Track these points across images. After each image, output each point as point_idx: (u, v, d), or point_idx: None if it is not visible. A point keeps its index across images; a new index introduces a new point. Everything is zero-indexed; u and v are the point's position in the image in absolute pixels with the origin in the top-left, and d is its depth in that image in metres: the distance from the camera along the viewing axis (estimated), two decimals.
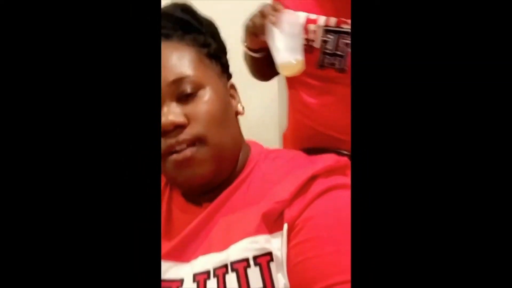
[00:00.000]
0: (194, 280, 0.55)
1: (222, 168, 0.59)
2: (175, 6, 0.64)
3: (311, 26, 0.90)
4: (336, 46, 0.89)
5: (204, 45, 0.63)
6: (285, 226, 0.53)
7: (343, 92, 0.86)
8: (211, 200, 0.60)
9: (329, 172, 0.57)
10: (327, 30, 0.89)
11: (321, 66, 0.91)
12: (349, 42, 0.87)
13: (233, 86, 0.67)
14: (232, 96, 0.66)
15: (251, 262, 0.52)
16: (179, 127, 0.56)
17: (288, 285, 0.52)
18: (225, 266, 0.53)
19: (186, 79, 0.58)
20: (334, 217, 0.52)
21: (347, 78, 0.84)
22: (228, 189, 0.60)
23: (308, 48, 0.90)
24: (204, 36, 0.63)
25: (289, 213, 0.53)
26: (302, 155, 0.64)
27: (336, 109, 0.91)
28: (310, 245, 0.51)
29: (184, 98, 0.58)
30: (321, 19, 0.90)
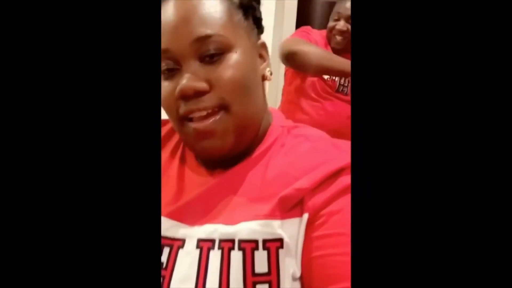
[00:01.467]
0: (197, 246, 0.52)
1: (244, 139, 0.56)
2: None
3: None
4: (345, 81, 1.55)
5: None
6: (306, 215, 0.50)
7: (342, 107, 1.52)
8: (225, 167, 0.57)
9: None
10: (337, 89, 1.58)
11: (337, 90, 1.56)
12: (349, 79, 1.52)
13: (264, 45, 0.60)
14: (262, 57, 0.59)
15: (260, 245, 0.50)
16: (200, 93, 0.52)
17: (297, 274, 0.50)
18: (232, 241, 0.51)
19: (213, 38, 0.52)
20: None
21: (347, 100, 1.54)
22: (245, 161, 0.57)
23: (332, 80, 1.55)
24: None
25: (311, 203, 0.51)
26: (327, 140, 0.59)
27: (335, 114, 1.53)
28: (332, 241, 0.49)
29: (208, 59, 0.52)
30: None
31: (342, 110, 1.50)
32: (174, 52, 0.52)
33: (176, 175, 0.60)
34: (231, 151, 0.55)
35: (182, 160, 0.62)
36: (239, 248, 0.50)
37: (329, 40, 1.56)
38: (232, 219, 0.52)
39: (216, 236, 0.52)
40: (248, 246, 0.50)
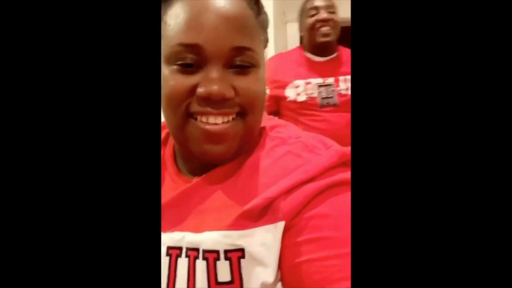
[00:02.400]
0: (167, 253, 0.53)
1: (244, 148, 0.56)
2: None
3: (309, 85, 1.52)
4: (327, 93, 1.50)
5: (258, 13, 0.56)
6: (281, 224, 0.50)
7: (339, 116, 1.48)
8: (201, 174, 0.57)
9: (332, 169, 0.52)
10: (320, 85, 1.52)
11: (321, 106, 1.51)
12: (334, 88, 1.51)
13: None
14: None
15: (222, 256, 0.50)
16: (226, 100, 0.51)
17: (269, 281, 0.50)
18: (197, 250, 0.51)
19: (249, 52, 0.52)
20: (340, 216, 0.49)
21: (339, 107, 1.50)
22: (220, 167, 0.56)
23: (310, 98, 1.50)
24: (258, 4, 0.56)
25: (285, 208, 0.50)
26: (304, 142, 0.57)
27: (334, 127, 1.47)
28: (314, 246, 0.48)
29: (236, 68, 0.52)
30: (313, 81, 1.53)
31: (336, 120, 1.48)
32: (208, 51, 0.50)
33: None
34: (229, 159, 0.55)
35: (163, 167, 0.62)
36: (203, 258, 0.51)
37: (313, 39, 1.51)
38: (199, 227, 0.53)
39: (184, 244, 0.52)
40: (211, 256, 0.51)
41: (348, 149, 0.55)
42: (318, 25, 1.47)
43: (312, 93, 1.50)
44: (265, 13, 0.57)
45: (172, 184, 0.59)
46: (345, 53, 1.58)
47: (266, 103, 1.39)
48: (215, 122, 0.52)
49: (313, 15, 1.49)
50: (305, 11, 1.52)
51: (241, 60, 0.52)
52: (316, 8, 1.49)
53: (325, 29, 1.47)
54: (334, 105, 1.49)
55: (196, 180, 0.57)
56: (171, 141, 0.65)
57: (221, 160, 0.55)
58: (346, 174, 0.52)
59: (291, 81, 1.51)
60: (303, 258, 0.49)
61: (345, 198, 0.50)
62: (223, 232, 0.51)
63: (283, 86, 1.53)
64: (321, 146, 0.56)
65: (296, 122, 1.47)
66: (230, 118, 0.53)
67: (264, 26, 0.57)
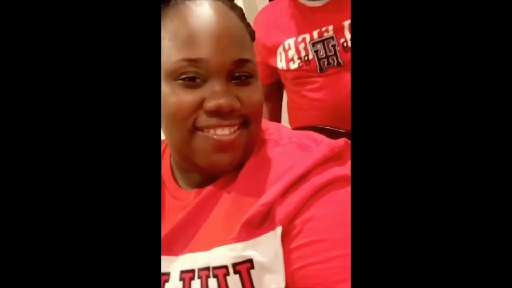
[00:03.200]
0: (180, 278, 0.53)
1: (245, 156, 0.57)
2: None
3: (301, 45, 1.13)
4: (326, 51, 1.11)
5: (247, 25, 0.58)
6: (279, 228, 0.49)
7: (345, 78, 1.09)
8: (203, 186, 0.57)
9: (324, 163, 0.52)
10: (314, 43, 1.13)
11: (321, 69, 1.12)
12: (335, 43, 1.10)
13: None
14: None
15: (230, 270, 0.50)
16: (233, 111, 0.53)
17: (282, 287, 0.49)
18: (208, 269, 0.51)
19: (249, 63, 0.54)
20: (335, 217, 0.49)
21: (344, 67, 1.09)
22: (220, 179, 0.57)
23: (305, 62, 1.13)
24: (244, 17, 0.59)
25: (281, 213, 0.50)
26: (297, 141, 0.58)
27: (340, 94, 1.10)
28: (310, 250, 0.48)
29: (238, 80, 0.54)
30: (307, 37, 1.13)
31: (342, 85, 1.10)
32: (212, 64, 0.51)
33: None
34: (235, 166, 0.56)
35: (162, 184, 0.61)
36: (213, 275, 0.51)
37: None
38: (207, 244, 0.53)
39: (195, 266, 0.52)
40: (221, 272, 0.50)
41: (340, 141, 0.55)
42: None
43: (305, 55, 1.13)
44: (250, 26, 0.59)
45: (173, 201, 0.60)
46: None
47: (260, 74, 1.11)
48: (223, 133, 0.53)
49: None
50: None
51: (242, 72, 0.54)
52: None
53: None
54: (338, 65, 1.10)
55: (197, 196, 0.57)
56: (166, 157, 0.66)
57: (228, 169, 0.55)
58: (340, 170, 0.52)
59: (282, 42, 1.16)
60: (301, 264, 0.48)
61: (341, 196, 0.50)
62: (229, 245, 0.51)
63: (274, 52, 1.19)
64: (313, 143, 0.56)
65: (298, 95, 1.18)
66: (236, 128, 0.54)
67: (252, 37, 0.59)
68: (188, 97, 0.52)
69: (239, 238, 0.50)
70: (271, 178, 0.53)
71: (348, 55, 1.09)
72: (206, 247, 0.52)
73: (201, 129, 0.53)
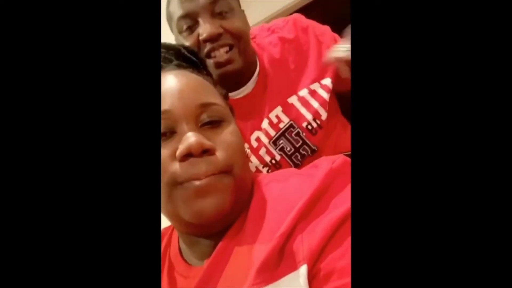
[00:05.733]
0: None
1: (239, 201, 0.54)
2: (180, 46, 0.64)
3: (262, 151, 0.94)
4: (293, 143, 0.94)
5: (208, 74, 0.63)
6: (304, 267, 0.44)
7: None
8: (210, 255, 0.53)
9: (333, 179, 0.50)
10: (274, 141, 0.95)
11: (297, 166, 0.95)
12: (297, 129, 0.92)
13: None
14: None
15: None
16: (205, 153, 0.51)
17: None
18: None
19: (216, 106, 0.55)
20: None
21: (320, 151, 0.94)
22: (226, 236, 0.54)
23: (274, 165, 0.95)
24: (204, 66, 0.65)
25: (304, 249, 0.45)
26: (294, 179, 0.55)
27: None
28: None
29: (208, 126, 0.54)
30: (262, 137, 0.94)
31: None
32: (176, 113, 0.53)
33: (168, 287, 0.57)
34: (228, 213, 0.52)
35: (170, 269, 0.59)
36: None
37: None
38: None
39: None
40: None
41: (338, 157, 0.55)
42: (205, 48, 0.82)
43: (271, 159, 0.94)
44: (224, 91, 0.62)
45: (184, 281, 0.56)
46: (270, 58, 0.95)
47: None
48: (201, 182, 0.50)
49: (190, 31, 0.83)
50: (176, 24, 0.85)
51: (211, 116, 0.54)
52: (191, 16, 0.82)
53: (218, 54, 0.82)
54: (313, 152, 0.94)
55: (206, 262, 0.53)
56: (175, 239, 0.64)
57: (220, 216, 0.51)
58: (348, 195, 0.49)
59: None
60: None
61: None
62: None
63: None
64: (312, 169, 0.55)
65: None
66: (212, 171, 0.51)
67: (225, 96, 0.62)
68: (162, 151, 0.52)
69: (255, 285, 0.45)
70: (281, 213, 0.50)
71: (319, 136, 0.93)
72: None
73: (181, 183, 0.51)
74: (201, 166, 0.50)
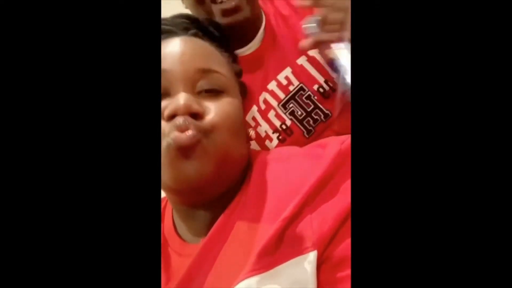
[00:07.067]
0: None
1: (222, 177, 0.51)
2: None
3: (271, 113, 0.84)
4: (304, 107, 0.84)
5: (226, 50, 0.59)
6: (314, 253, 0.42)
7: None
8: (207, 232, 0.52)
9: (342, 162, 0.47)
10: (283, 104, 0.84)
11: (309, 132, 0.85)
12: (308, 93, 0.83)
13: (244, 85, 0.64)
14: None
15: None
16: (192, 115, 0.49)
17: None
18: None
19: (218, 75, 0.53)
20: None
21: (334, 116, 0.84)
22: (226, 212, 0.52)
23: (285, 131, 0.84)
24: (225, 42, 0.61)
25: (314, 235, 0.43)
26: (299, 159, 0.53)
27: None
28: None
29: (206, 94, 0.52)
30: (270, 99, 0.85)
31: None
32: (175, 75, 0.51)
33: (163, 265, 0.54)
34: (213, 183, 0.50)
35: (164, 245, 0.57)
36: None
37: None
38: (224, 284, 0.46)
39: None
40: None
41: (347, 137, 0.51)
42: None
43: (281, 124, 0.84)
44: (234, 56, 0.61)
45: (179, 259, 0.54)
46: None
47: None
48: (181, 138, 0.48)
49: None
50: None
51: (210, 84, 0.52)
52: None
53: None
54: (327, 117, 0.84)
55: (202, 241, 0.51)
56: (168, 213, 0.61)
57: (202, 182, 0.49)
58: None
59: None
60: None
61: None
62: (244, 282, 0.44)
63: None
64: (318, 148, 0.53)
65: None
66: (195, 133, 0.48)
67: (235, 60, 0.61)
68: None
69: (256, 270, 0.44)
70: (286, 194, 0.47)
71: (332, 101, 0.83)
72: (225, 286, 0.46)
73: (166, 143, 0.49)
74: (183, 122, 0.48)
